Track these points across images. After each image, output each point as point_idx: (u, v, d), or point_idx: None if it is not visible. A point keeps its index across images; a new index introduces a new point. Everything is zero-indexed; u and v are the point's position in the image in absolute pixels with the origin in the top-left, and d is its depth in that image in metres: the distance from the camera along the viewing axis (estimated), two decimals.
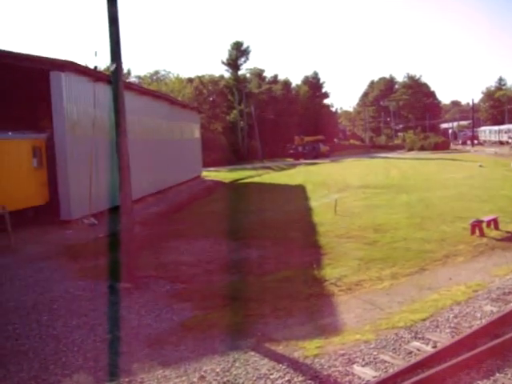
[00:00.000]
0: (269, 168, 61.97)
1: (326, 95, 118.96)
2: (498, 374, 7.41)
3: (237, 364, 8.14)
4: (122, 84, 12.73)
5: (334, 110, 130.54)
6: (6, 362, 8.44)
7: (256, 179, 47.24)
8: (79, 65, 20.88)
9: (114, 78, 12.59)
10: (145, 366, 8.22)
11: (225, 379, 7.66)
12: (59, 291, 12.24)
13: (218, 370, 7.98)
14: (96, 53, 17.18)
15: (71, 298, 11.74)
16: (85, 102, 21.41)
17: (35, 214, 20.57)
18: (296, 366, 7.99)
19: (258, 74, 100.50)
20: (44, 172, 21.22)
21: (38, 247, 16.95)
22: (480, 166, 45.78)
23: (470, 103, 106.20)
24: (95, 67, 20.54)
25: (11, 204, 17.42)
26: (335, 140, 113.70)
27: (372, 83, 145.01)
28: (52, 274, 13.86)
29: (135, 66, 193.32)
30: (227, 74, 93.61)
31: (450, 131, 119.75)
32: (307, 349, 8.62)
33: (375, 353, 8.32)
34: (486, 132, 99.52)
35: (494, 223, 17.90)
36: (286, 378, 7.57)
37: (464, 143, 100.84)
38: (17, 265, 14.70)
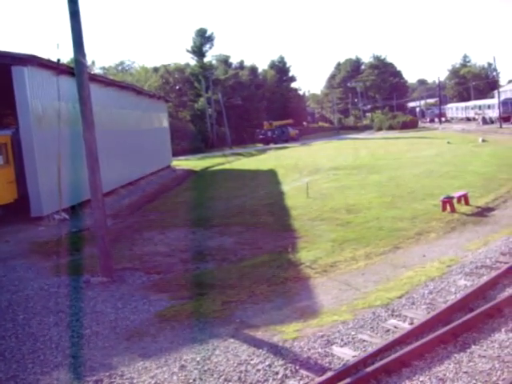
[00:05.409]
0: (239, 154, 61.83)
1: (293, 79, 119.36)
2: (473, 347, 7.56)
3: (217, 352, 8.15)
4: (86, 76, 12.52)
5: (301, 93, 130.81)
6: None
7: (227, 166, 47.15)
8: (42, 58, 20.48)
9: (78, 69, 12.37)
10: (125, 359, 8.17)
11: (205, 367, 7.67)
12: (34, 289, 12.07)
13: (198, 358, 7.98)
14: (58, 45, 16.81)
15: (47, 296, 11.58)
16: (49, 95, 21.02)
17: (4, 213, 20.23)
18: (276, 350, 8.04)
19: (224, 61, 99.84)
20: (11, 169, 20.83)
21: (9, 246, 16.66)
22: (448, 142, 46.40)
23: (437, 81, 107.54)
24: (58, 60, 20.12)
25: None
26: (304, 123, 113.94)
27: (338, 65, 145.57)
28: (26, 272, 13.64)
29: (100, 57, 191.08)
30: (193, 62, 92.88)
31: (418, 110, 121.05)
32: (286, 332, 8.67)
33: (353, 333, 8.40)
34: (453, 109, 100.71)
35: (465, 199, 18.16)
36: (267, 363, 7.60)
37: (432, 121, 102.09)
38: None
